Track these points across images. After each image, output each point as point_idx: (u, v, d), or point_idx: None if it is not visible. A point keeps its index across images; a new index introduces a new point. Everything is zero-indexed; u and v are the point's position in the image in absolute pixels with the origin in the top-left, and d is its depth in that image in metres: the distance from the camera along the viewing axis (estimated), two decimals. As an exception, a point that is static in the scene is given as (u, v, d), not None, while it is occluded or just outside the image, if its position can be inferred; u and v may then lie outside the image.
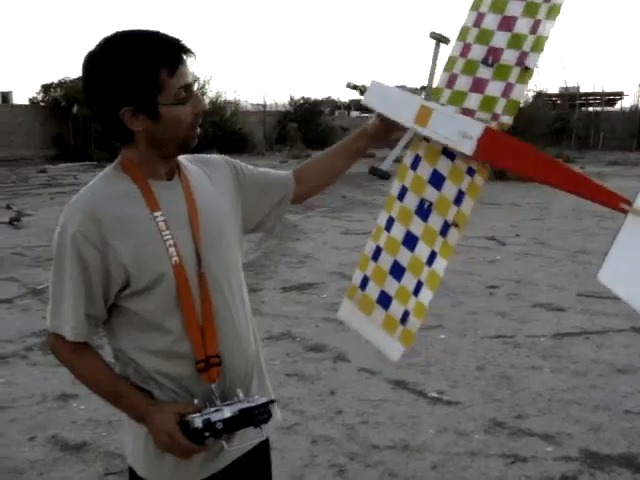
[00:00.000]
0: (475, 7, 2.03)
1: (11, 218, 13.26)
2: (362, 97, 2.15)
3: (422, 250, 2.00)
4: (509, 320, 6.90)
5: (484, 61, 2.00)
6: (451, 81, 2.04)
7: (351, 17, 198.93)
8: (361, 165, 2.48)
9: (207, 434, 1.72)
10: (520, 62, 1.97)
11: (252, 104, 40.75)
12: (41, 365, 5.72)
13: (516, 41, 1.96)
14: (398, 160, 2.09)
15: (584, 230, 12.09)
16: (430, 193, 2.02)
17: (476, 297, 7.77)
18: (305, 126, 35.64)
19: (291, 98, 38.23)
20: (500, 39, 1.98)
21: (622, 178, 21.10)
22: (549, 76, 64.65)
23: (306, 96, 38.31)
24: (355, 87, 2.17)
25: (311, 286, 8.26)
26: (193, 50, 1.76)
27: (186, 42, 1.75)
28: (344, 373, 5.57)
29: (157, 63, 1.68)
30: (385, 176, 2.01)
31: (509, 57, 1.98)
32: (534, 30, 1.94)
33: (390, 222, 2.05)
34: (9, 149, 29.43)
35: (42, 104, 33.16)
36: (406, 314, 2.01)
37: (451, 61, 2.05)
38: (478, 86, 2.01)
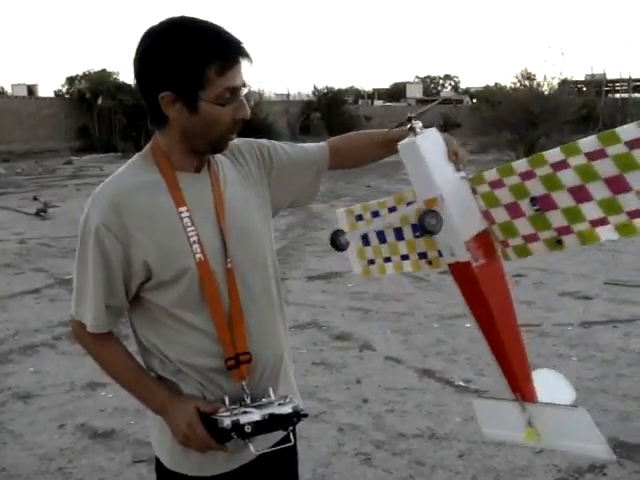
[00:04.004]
0: (567, 153, 1.73)
1: (38, 209, 13.40)
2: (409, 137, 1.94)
3: (402, 247, 2.22)
4: (535, 309, 6.85)
5: (532, 200, 1.83)
6: (495, 184, 1.89)
7: (375, 6, 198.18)
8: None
9: (234, 435, 1.70)
10: (559, 233, 1.84)
11: (276, 94, 40.85)
12: (69, 354, 5.78)
13: (572, 216, 1.78)
14: None
15: (611, 218, 11.97)
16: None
17: (502, 286, 7.71)
18: (329, 115, 35.65)
19: (315, 87, 38.25)
20: (561, 199, 1.78)
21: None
22: (575, 63, 63.97)
23: (330, 85, 38.33)
24: (410, 120, 1.96)
25: (337, 275, 8.26)
26: (251, 55, 1.72)
27: (246, 45, 1.71)
28: (370, 362, 5.57)
29: (209, 58, 1.64)
30: (340, 249, 2.11)
31: (555, 219, 1.82)
32: (594, 225, 1.76)
33: (392, 210, 2.21)
34: (35, 141, 29.70)
35: (67, 96, 33.41)
36: (372, 262, 2.34)
37: (508, 169, 1.85)
38: (513, 211, 1.89)
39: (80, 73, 34.52)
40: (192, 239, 1.74)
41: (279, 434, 1.87)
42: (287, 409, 1.77)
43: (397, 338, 6.12)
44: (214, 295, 1.76)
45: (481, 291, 1.92)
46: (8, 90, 46.14)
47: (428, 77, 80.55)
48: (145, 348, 1.85)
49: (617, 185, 1.69)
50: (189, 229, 1.74)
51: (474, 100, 48.13)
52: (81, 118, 32.28)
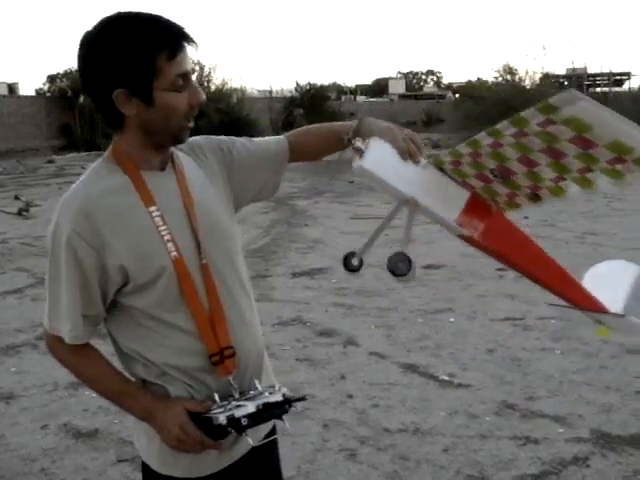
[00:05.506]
0: (495, 136, 1.73)
1: (20, 208, 13.31)
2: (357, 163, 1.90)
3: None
4: (519, 302, 6.87)
5: (492, 171, 1.84)
6: (455, 164, 1.88)
7: (356, 1, 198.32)
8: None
9: (231, 430, 1.68)
10: (532, 190, 1.87)
11: (258, 90, 40.80)
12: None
13: (533, 177, 1.80)
14: None
15: (593, 212, 12.05)
16: None
17: (485, 280, 7.75)
18: (312, 112, 35.60)
19: (297, 84, 38.16)
20: (515, 167, 1.78)
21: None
22: (556, 57, 64.36)
23: (312, 82, 38.23)
24: (350, 142, 1.96)
25: (320, 271, 8.26)
26: (195, 39, 1.71)
27: (188, 30, 1.70)
28: (354, 357, 5.57)
29: (156, 47, 1.63)
30: (353, 270, 2.05)
31: (521, 181, 1.84)
32: (555, 181, 1.78)
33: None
34: (16, 140, 29.51)
35: (48, 94, 33.21)
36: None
37: (457, 154, 1.85)
38: (483, 179, 1.89)
39: (61, 71, 34.45)
40: (165, 237, 1.72)
41: (267, 426, 1.89)
42: (278, 397, 1.77)
43: (381, 333, 6.13)
44: (192, 292, 1.75)
45: (497, 252, 2.01)
46: (-12, 89, 45.86)
47: (410, 73, 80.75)
48: (126, 355, 1.82)
49: (554, 154, 1.68)
50: (161, 228, 1.72)
51: (457, 95, 48.28)
52: (63, 116, 32.10)
